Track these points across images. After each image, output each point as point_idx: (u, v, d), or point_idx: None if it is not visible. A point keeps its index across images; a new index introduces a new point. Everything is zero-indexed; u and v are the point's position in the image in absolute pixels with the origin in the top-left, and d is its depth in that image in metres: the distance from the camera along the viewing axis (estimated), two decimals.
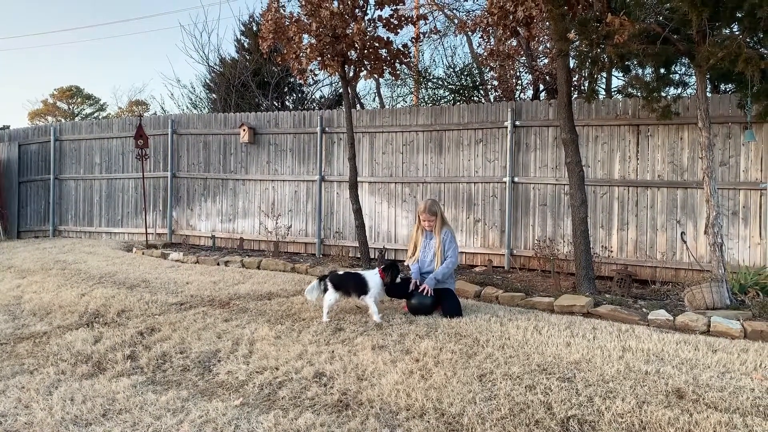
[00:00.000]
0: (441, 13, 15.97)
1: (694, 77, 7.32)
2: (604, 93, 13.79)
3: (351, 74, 9.08)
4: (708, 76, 6.86)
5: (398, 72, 9.37)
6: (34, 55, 60.26)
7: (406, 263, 6.36)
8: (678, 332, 5.29)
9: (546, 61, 13.49)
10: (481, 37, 12.80)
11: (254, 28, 17.04)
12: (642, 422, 3.21)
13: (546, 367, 4.12)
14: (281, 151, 10.90)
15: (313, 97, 18.80)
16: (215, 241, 11.24)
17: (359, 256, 9.22)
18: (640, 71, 7.84)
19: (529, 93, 14.56)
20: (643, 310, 6.07)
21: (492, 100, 14.79)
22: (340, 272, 5.91)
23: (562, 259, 8.29)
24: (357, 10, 8.45)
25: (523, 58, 13.63)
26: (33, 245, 11.44)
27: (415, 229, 6.20)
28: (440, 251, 5.94)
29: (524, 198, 9.01)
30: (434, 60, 29.81)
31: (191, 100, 19.62)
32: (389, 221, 9.97)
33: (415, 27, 10.23)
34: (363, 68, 8.88)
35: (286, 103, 18.14)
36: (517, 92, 14.36)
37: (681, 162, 8.08)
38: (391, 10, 8.77)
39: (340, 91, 13.48)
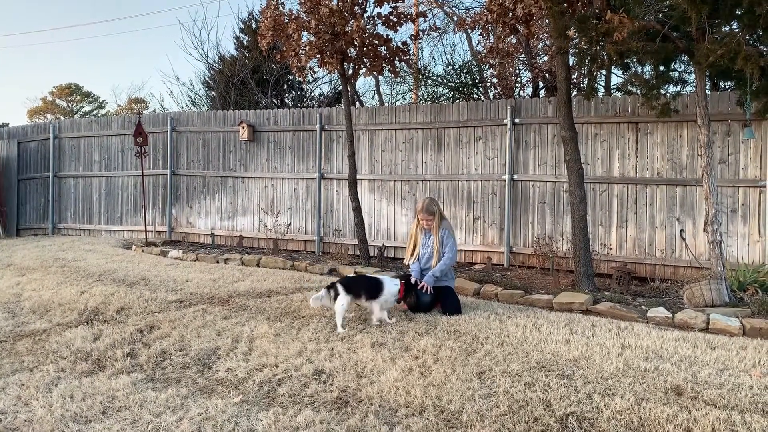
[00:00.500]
0: (440, 10, 15.96)
1: (693, 75, 7.33)
2: (603, 90, 13.80)
3: (350, 72, 9.07)
4: (707, 74, 6.86)
5: (398, 69, 9.37)
6: (34, 53, 60.20)
7: (405, 262, 6.35)
8: (677, 329, 5.29)
9: (545, 58, 13.48)
10: (481, 34, 12.79)
11: (253, 26, 17.02)
12: (641, 419, 3.22)
13: (545, 364, 4.13)
14: (280, 148, 10.90)
15: (313, 94, 18.80)
16: (215, 238, 11.24)
17: (358, 254, 9.23)
18: (639, 69, 7.84)
19: (529, 90, 14.56)
20: (642, 307, 6.08)
21: (491, 97, 14.79)
22: (352, 276, 5.70)
23: (562, 256, 8.30)
24: (356, 8, 8.44)
25: (523, 55, 13.62)
26: (32, 243, 11.44)
27: (414, 227, 6.20)
28: (438, 249, 5.95)
29: (523, 195, 9.02)
30: (433, 57, 29.82)
31: (190, 97, 19.61)
32: (389, 219, 9.97)
33: (414, 24, 10.23)
34: (362, 66, 8.87)
35: (286, 100, 18.14)
36: (517, 90, 14.35)
37: (680, 159, 8.08)
38: (391, 7, 8.77)
39: (340, 88, 13.49)
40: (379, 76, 16.41)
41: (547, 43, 13.05)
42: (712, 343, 4.73)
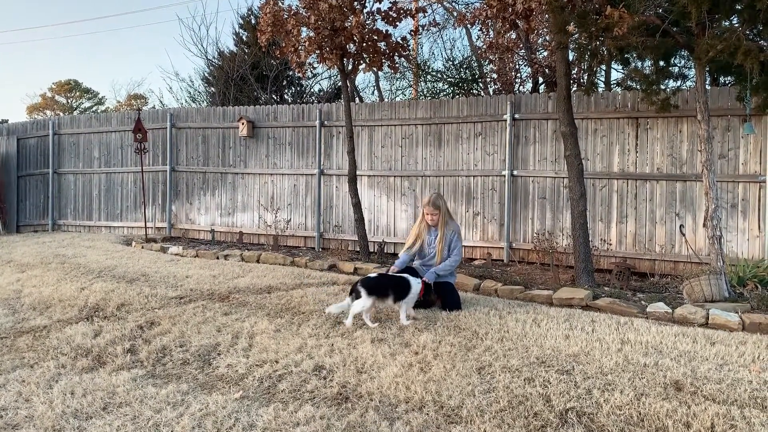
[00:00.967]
0: (440, 5, 15.92)
1: (693, 70, 7.32)
2: (603, 86, 13.79)
3: (350, 67, 9.06)
4: (707, 69, 6.86)
5: (397, 65, 9.35)
6: (33, 49, 60.10)
7: (401, 253, 6.27)
8: (676, 325, 5.30)
9: (545, 53, 13.47)
10: (480, 29, 12.78)
11: (252, 22, 16.99)
12: (640, 414, 3.23)
13: (545, 359, 4.13)
14: (280, 144, 10.89)
15: (312, 90, 18.78)
16: (214, 235, 11.24)
17: (358, 250, 9.23)
18: (639, 64, 7.83)
19: (529, 86, 14.55)
20: (642, 302, 6.09)
21: (491, 93, 14.77)
22: (373, 275, 5.49)
23: (561, 252, 8.30)
24: (355, 3, 8.42)
25: (523, 50, 13.60)
26: (32, 239, 11.44)
27: (418, 222, 6.13)
28: (441, 247, 5.90)
29: (523, 191, 9.01)
30: (433, 53, 29.79)
31: (190, 93, 19.61)
32: (388, 215, 9.97)
33: (413, 20, 10.20)
34: (362, 61, 8.86)
35: (285, 96, 18.12)
36: (516, 85, 14.34)
37: (680, 155, 8.08)
38: (390, 2, 8.76)
39: (339, 84, 13.48)
40: (379, 72, 16.42)
41: (547, 38, 13.03)
42: (712, 338, 4.74)
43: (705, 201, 6.61)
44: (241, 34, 17.89)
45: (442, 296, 5.81)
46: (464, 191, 9.44)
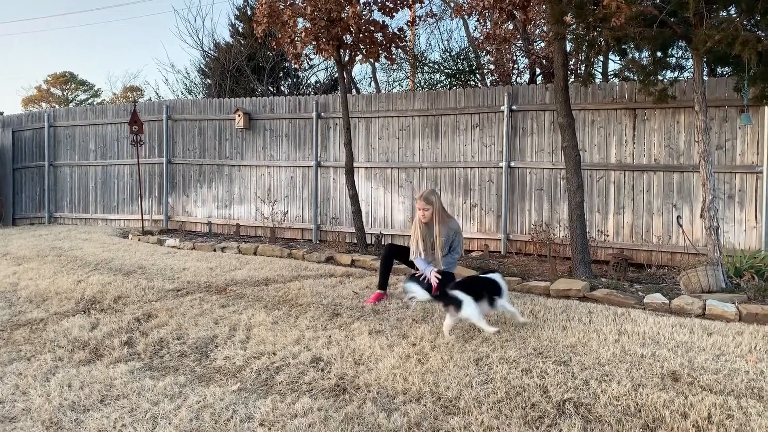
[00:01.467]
0: None
1: (690, 60, 7.30)
2: (600, 77, 13.77)
3: (346, 58, 9.02)
4: (705, 60, 6.84)
5: (394, 56, 9.32)
6: (28, 41, 59.73)
7: (410, 258, 6.14)
8: (674, 315, 5.31)
9: (542, 44, 13.43)
10: (478, 20, 12.74)
11: (248, 12, 16.92)
12: (638, 405, 3.23)
13: (542, 350, 4.14)
14: (277, 136, 10.86)
15: (309, 82, 18.72)
16: (211, 227, 11.22)
17: (356, 242, 9.22)
18: (636, 55, 7.81)
19: (526, 77, 14.52)
20: (639, 293, 6.10)
21: (488, 84, 14.75)
22: (464, 279, 4.98)
23: (558, 243, 8.30)
24: None
25: (520, 41, 13.57)
26: (29, 232, 11.41)
27: (415, 223, 5.90)
28: (440, 244, 5.71)
29: (520, 183, 9.01)
30: (430, 44, 29.69)
31: (186, 85, 19.56)
32: (386, 207, 9.96)
33: (410, 10, 10.17)
34: (358, 52, 8.82)
35: (282, 88, 18.06)
36: (514, 76, 14.31)
37: (677, 146, 8.08)
38: None
39: (336, 75, 13.43)
40: (376, 63, 16.36)
41: (544, 29, 13.00)
42: (709, 328, 4.75)
43: (702, 192, 6.61)
44: (237, 25, 17.80)
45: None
46: (461, 183, 9.42)
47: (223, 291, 6.25)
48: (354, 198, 8.95)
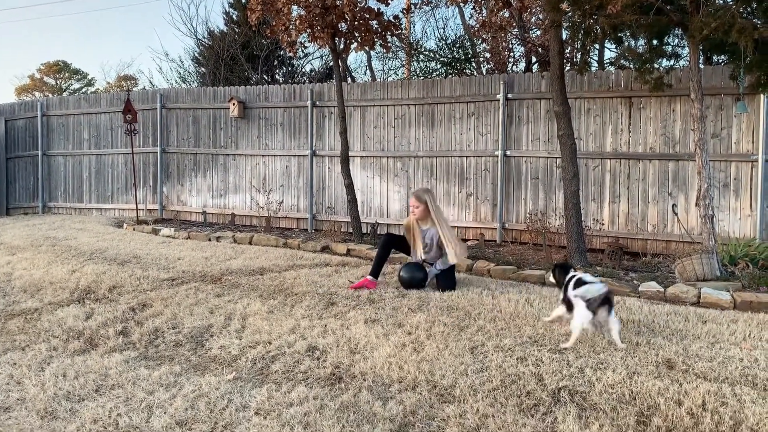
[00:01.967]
0: None
1: (687, 49, 7.29)
2: (596, 65, 13.74)
3: (341, 46, 8.97)
4: (701, 48, 6.83)
5: (389, 44, 9.27)
6: (21, 29, 59.18)
7: (414, 259, 6.13)
8: (668, 303, 5.32)
9: (538, 32, 13.39)
10: (474, 8, 12.69)
11: (243, 0, 16.78)
12: (632, 392, 3.24)
13: (537, 339, 4.14)
14: (271, 125, 10.81)
15: (304, 70, 18.63)
16: (207, 216, 11.19)
17: (351, 231, 9.22)
18: (633, 43, 7.79)
19: (522, 65, 14.48)
20: (634, 282, 6.11)
21: (484, 72, 14.70)
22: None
23: (554, 232, 8.31)
24: None
25: (516, 29, 13.52)
26: (22, 222, 11.36)
27: (409, 220, 5.91)
28: (438, 241, 5.73)
29: (516, 171, 9.00)
30: (426, 32, 29.50)
31: (180, 74, 19.42)
32: (381, 196, 9.95)
33: None
34: (353, 40, 8.77)
35: (276, 76, 17.96)
36: (510, 65, 14.26)
37: (673, 134, 8.07)
38: None
39: (331, 64, 13.36)
40: (371, 51, 16.29)
41: (540, 16, 12.95)
42: (703, 316, 4.76)
43: (697, 180, 6.62)
44: (231, 13, 17.67)
45: (438, 277, 5.79)
46: (457, 172, 9.41)
47: (218, 280, 6.24)
48: (349, 187, 8.94)
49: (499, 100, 9.02)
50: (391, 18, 8.82)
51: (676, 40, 8.19)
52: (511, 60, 14.37)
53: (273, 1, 8.38)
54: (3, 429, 3.15)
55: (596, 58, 13.83)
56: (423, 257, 5.89)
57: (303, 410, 3.21)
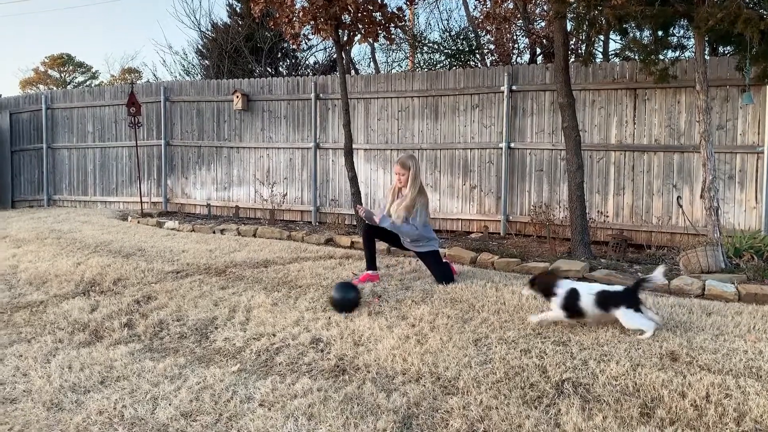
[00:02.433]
0: None
1: (692, 40, 7.23)
2: (601, 56, 13.68)
3: (345, 38, 8.93)
4: (707, 38, 6.77)
5: (393, 36, 9.24)
6: (25, 22, 59.16)
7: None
8: (673, 296, 5.31)
9: (543, 24, 13.32)
10: None
11: None
12: (636, 384, 3.24)
13: (541, 331, 4.14)
14: (275, 118, 10.80)
15: (307, 62, 18.60)
16: (211, 209, 11.20)
17: (355, 224, 9.21)
18: (638, 34, 7.74)
19: (526, 57, 14.43)
20: (639, 274, 6.10)
21: (488, 64, 14.65)
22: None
23: (558, 224, 8.30)
24: None
25: (520, 21, 13.45)
26: (27, 215, 11.40)
27: (391, 189, 5.89)
28: (407, 207, 5.57)
29: (520, 163, 8.97)
30: (429, 24, 29.48)
31: (183, 66, 19.41)
32: (385, 188, 9.93)
33: None
34: (357, 32, 8.73)
35: (280, 69, 17.94)
36: (514, 56, 14.21)
37: (678, 126, 8.03)
38: None
39: (335, 56, 13.33)
40: (375, 43, 16.24)
41: (545, 8, 12.88)
42: (708, 308, 4.75)
43: (702, 172, 6.59)
44: (234, 5, 17.63)
45: (429, 268, 5.75)
46: (461, 164, 9.39)
47: (222, 273, 6.25)
48: (353, 180, 8.92)
49: (503, 92, 8.99)
50: (394, 10, 8.77)
51: (682, 31, 8.13)
52: (515, 51, 14.32)
53: None
54: (9, 420, 3.17)
55: (601, 50, 13.78)
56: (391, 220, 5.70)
57: (307, 402, 3.22)
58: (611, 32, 9.82)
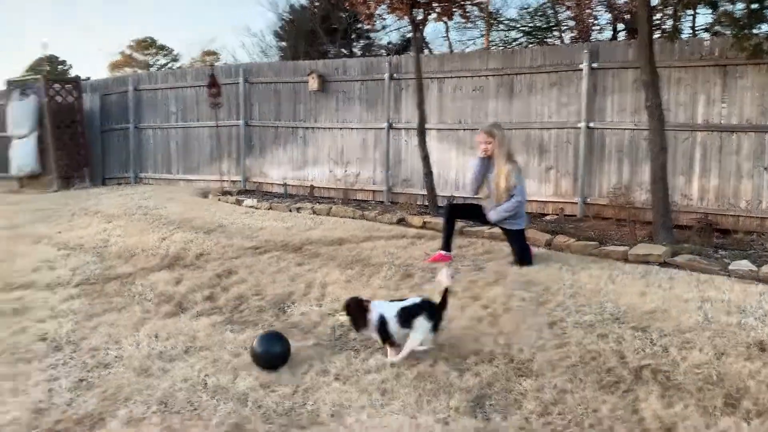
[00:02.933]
0: None
1: None
2: (689, 31, 13.00)
3: (420, 17, 8.87)
4: None
5: (468, 14, 9.10)
6: (112, 5, 61.78)
7: (471, 194, 6.00)
8: (762, 283, 5.04)
9: None
10: None
11: None
12: (720, 374, 3.12)
13: (619, 316, 4.05)
14: (349, 98, 10.88)
15: (380, 43, 18.60)
16: (287, 188, 11.46)
17: (427, 204, 9.21)
18: (729, 7, 7.31)
19: (607, 33, 13.91)
20: (725, 260, 5.82)
21: (567, 41, 14.20)
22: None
23: (638, 207, 8.00)
24: None
25: None
26: (116, 192, 12.01)
27: (474, 168, 5.85)
28: (499, 182, 5.58)
29: (599, 144, 8.69)
30: (506, 1, 28.74)
31: (261, 48, 19.83)
32: (457, 170, 9.85)
33: None
34: (432, 11, 8.65)
35: (354, 49, 18.04)
36: (594, 33, 13.72)
37: None
38: None
39: (408, 36, 13.29)
40: (449, 22, 16.03)
41: None
42: None
43: None
44: None
45: (511, 246, 5.71)
46: (537, 144, 9.19)
47: (298, 250, 6.41)
48: (425, 160, 8.91)
49: (582, 70, 8.70)
50: None
51: None
52: (595, 28, 13.81)
53: None
54: (103, 384, 3.39)
55: (689, 25, 13.10)
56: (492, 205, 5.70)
57: (380, 377, 3.28)
58: (699, 5, 9.31)
